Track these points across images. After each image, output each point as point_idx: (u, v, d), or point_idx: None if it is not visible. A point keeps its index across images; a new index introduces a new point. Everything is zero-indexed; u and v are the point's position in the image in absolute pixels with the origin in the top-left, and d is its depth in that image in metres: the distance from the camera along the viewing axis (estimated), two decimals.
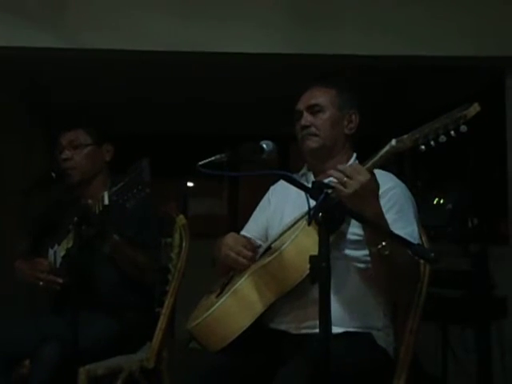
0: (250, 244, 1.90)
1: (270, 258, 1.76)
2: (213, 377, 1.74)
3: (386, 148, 1.63)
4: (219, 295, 1.87)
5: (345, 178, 1.60)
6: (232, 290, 1.80)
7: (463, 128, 1.49)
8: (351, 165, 1.69)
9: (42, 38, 3.00)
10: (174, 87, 4.39)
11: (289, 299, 1.78)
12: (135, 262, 2.31)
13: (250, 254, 1.84)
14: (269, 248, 1.89)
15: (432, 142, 1.54)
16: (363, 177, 1.60)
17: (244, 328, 1.75)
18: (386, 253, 1.63)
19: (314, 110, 1.96)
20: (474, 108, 1.50)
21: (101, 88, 4.44)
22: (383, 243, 1.62)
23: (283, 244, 1.76)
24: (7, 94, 4.11)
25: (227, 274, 1.94)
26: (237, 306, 1.78)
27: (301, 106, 2.00)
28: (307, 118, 1.96)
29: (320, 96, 1.98)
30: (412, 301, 1.92)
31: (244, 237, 1.98)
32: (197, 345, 1.86)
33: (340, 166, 1.66)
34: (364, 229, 1.69)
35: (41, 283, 2.29)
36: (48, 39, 3.00)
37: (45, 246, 2.42)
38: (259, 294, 1.77)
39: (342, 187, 1.60)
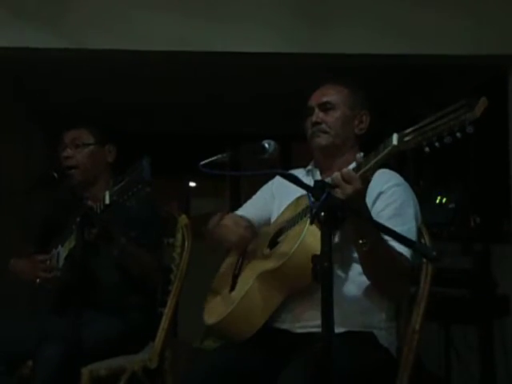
0: (250, 224, 1.95)
1: (280, 263, 1.76)
2: (215, 376, 1.74)
3: (388, 149, 1.56)
4: (232, 289, 1.90)
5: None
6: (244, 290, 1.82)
7: (469, 129, 1.42)
8: (349, 171, 1.66)
9: (41, 39, 2.99)
10: (174, 87, 4.39)
11: (292, 298, 1.79)
12: (142, 263, 2.31)
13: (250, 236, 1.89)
14: (275, 241, 1.89)
15: (437, 144, 1.50)
16: (350, 188, 1.57)
17: (270, 314, 1.80)
18: (365, 249, 1.65)
19: (325, 107, 1.97)
20: (483, 102, 1.40)
21: (101, 88, 4.44)
22: (364, 239, 1.64)
23: (291, 246, 1.75)
24: (6, 93, 4.11)
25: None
26: (256, 300, 1.81)
27: (313, 102, 2.00)
28: (318, 115, 1.96)
29: (333, 94, 1.98)
30: (414, 299, 1.92)
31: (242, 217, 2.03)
32: (212, 342, 1.88)
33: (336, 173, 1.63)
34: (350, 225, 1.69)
35: (38, 280, 2.29)
36: (48, 39, 2.99)
37: (49, 247, 2.42)
38: (266, 298, 1.80)
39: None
